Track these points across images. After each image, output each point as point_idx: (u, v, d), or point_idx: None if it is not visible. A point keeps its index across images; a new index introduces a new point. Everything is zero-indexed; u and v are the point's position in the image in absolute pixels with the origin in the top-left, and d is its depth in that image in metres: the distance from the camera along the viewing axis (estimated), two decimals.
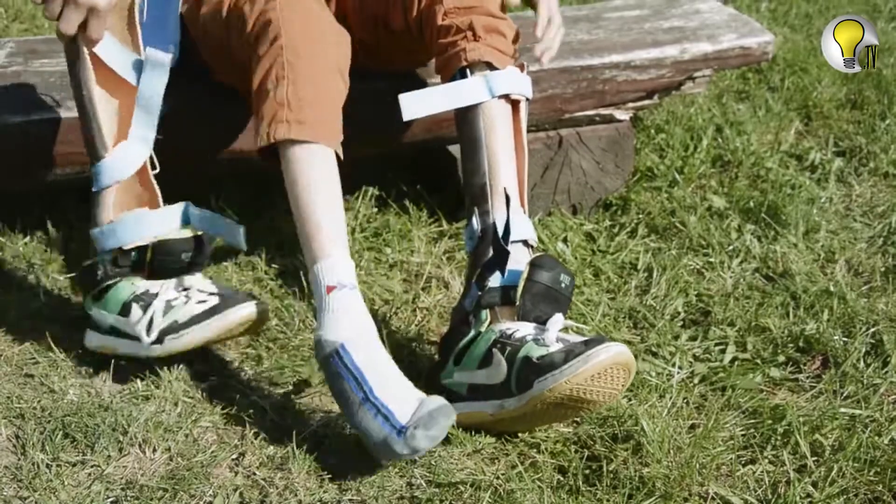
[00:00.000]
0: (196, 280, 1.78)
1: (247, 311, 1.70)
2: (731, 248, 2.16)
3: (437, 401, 1.51)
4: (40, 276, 2.02)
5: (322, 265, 1.62)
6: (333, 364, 1.56)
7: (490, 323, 1.66)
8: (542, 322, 1.62)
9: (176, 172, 2.08)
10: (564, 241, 2.18)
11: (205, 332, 1.69)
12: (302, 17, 1.73)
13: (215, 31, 1.90)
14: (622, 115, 2.28)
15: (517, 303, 1.65)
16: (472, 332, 1.66)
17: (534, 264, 1.65)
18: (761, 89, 2.85)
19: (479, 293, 1.68)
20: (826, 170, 2.48)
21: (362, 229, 2.21)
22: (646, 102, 2.30)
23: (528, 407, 1.55)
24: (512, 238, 1.68)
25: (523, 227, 1.75)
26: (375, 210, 2.27)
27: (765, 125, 2.66)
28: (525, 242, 1.75)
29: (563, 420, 1.66)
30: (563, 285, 1.65)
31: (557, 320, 1.60)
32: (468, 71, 1.80)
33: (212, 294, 1.74)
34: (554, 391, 1.51)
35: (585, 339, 1.57)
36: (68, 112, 1.93)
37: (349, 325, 1.58)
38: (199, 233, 1.78)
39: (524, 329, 1.63)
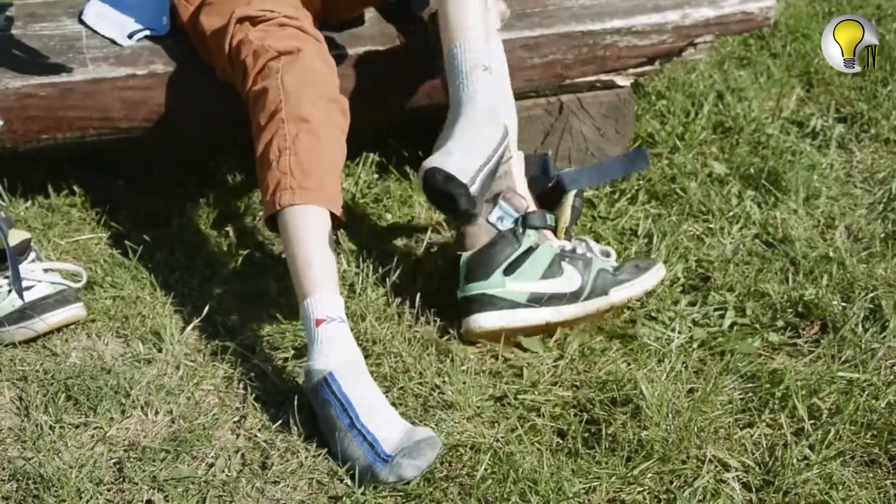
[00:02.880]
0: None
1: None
2: (731, 214, 2.16)
3: (424, 431, 1.53)
4: (42, 240, 2.03)
5: (311, 300, 1.65)
6: (322, 392, 1.58)
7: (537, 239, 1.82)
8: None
9: (181, 140, 2.07)
10: None
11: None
12: (302, 84, 1.76)
13: (216, 53, 1.91)
14: (623, 81, 2.28)
15: (560, 227, 1.85)
16: (523, 246, 1.79)
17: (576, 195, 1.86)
18: (763, 55, 2.83)
19: (521, 215, 1.81)
20: (827, 136, 2.47)
21: (363, 195, 2.21)
22: (647, 68, 2.29)
23: (589, 310, 1.81)
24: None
25: None
26: (376, 176, 2.27)
27: (766, 91, 2.66)
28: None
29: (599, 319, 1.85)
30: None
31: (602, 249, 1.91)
32: None
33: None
34: (621, 299, 1.83)
35: (637, 262, 1.88)
36: (68, 76, 1.93)
37: (337, 355, 1.61)
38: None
39: (581, 247, 1.87)
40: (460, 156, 1.64)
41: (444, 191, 1.60)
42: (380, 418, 1.54)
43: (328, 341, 1.62)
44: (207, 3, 1.92)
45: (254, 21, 1.85)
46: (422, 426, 1.58)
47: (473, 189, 1.60)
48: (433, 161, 1.64)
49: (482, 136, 1.67)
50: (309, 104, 1.75)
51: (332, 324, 1.63)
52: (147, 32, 2.02)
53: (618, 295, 1.84)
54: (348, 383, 1.57)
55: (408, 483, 1.51)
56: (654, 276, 1.88)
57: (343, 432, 1.54)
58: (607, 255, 1.92)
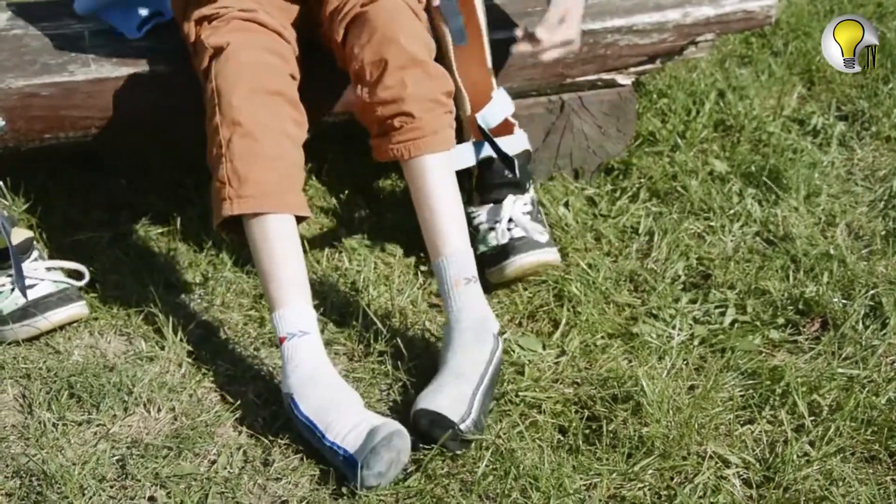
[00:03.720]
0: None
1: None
2: (732, 211, 2.17)
3: (385, 429, 1.51)
4: (44, 239, 2.03)
5: (274, 317, 1.65)
6: (291, 415, 1.60)
7: (467, 202, 1.98)
8: (498, 202, 1.98)
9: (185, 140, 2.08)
10: (566, 205, 2.19)
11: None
12: (233, 82, 1.71)
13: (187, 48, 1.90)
14: (624, 79, 2.28)
15: (473, 192, 2.02)
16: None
17: (482, 163, 1.98)
18: (764, 54, 2.83)
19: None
20: (828, 134, 2.47)
21: (363, 194, 2.21)
22: (648, 67, 2.30)
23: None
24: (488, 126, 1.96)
25: (498, 112, 1.97)
26: (376, 176, 2.28)
27: (767, 90, 2.66)
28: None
29: None
30: (515, 173, 1.96)
31: (507, 204, 1.97)
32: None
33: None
34: (492, 279, 1.94)
35: (516, 240, 1.92)
36: (70, 76, 1.93)
37: (295, 375, 1.61)
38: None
39: (480, 216, 2.00)
40: (450, 389, 1.61)
41: (429, 435, 1.57)
42: (344, 427, 1.54)
43: (289, 360, 1.62)
44: (189, 8, 1.90)
45: (210, 20, 1.81)
46: (386, 420, 1.55)
47: (472, 416, 1.58)
48: (422, 400, 1.61)
49: (471, 361, 1.65)
50: (241, 103, 1.69)
51: (291, 341, 1.63)
52: (155, 21, 2.02)
53: (487, 275, 1.94)
54: (307, 403, 1.58)
55: (401, 483, 1.52)
56: (511, 266, 1.91)
57: (318, 448, 1.56)
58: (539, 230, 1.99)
